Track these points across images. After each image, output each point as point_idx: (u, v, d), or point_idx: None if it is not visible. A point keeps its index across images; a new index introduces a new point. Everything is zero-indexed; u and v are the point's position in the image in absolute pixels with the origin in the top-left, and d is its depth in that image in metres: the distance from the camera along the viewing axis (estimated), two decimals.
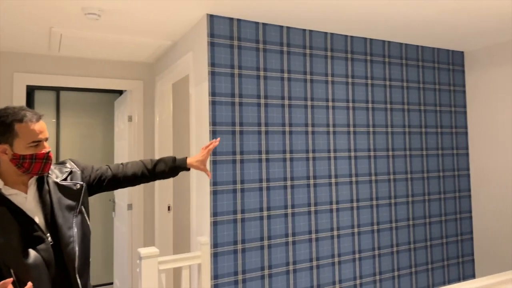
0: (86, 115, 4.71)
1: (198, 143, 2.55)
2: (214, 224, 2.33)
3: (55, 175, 1.59)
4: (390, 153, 2.96)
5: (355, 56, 2.87)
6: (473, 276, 3.23)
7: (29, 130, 1.45)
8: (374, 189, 2.87)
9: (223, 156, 2.42)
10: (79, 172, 1.65)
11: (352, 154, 2.81)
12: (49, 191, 1.53)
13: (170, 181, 3.43)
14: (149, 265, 2.06)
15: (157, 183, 3.41)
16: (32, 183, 1.52)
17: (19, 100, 3.22)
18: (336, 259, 2.70)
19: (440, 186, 3.16)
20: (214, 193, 2.37)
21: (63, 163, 1.67)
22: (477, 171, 3.25)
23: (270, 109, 2.58)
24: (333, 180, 2.73)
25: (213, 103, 2.42)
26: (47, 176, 1.56)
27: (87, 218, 1.59)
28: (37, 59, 3.33)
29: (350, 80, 2.84)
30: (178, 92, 3.81)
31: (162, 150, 3.45)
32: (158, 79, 3.47)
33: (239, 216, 2.42)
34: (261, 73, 2.56)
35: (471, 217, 3.27)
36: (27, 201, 1.48)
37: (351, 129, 2.82)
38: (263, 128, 2.55)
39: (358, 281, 2.76)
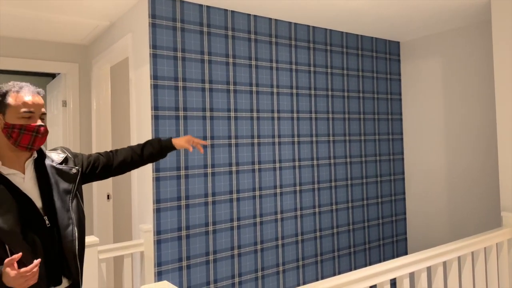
0: None
1: (140, 128, 2.46)
2: (157, 211, 2.27)
3: (51, 159, 1.57)
4: (331, 138, 3.05)
5: (299, 43, 2.91)
6: (405, 253, 3.46)
7: (22, 101, 1.44)
8: (315, 173, 2.96)
9: None
10: (72, 159, 1.63)
11: (296, 139, 2.86)
12: (47, 174, 1.52)
13: None
14: (88, 255, 1.96)
15: None
16: (29, 164, 1.51)
17: None
18: (280, 242, 2.75)
19: (377, 169, 3.32)
20: (157, 179, 2.30)
21: (55, 149, 1.65)
22: (410, 155, 3.46)
23: (215, 94, 2.55)
24: (277, 165, 2.77)
25: (155, 87, 2.34)
26: (44, 159, 1.54)
27: (81, 203, 1.59)
28: None
29: (293, 66, 2.88)
30: (117, 76, 3.64)
31: (100, 136, 3.29)
32: (95, 62, 3.29)
33: (183, 202, 2.38)
34: (206, 57, 2.51)
35: (404, 199, 3.49)
36: (24, 181, 1.47)
37: (295, 115, 2.87)
38: (207, 113, 2.52)
39: (300, 262, 2.84)
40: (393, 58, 3.47)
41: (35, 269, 1.31)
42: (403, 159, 3.50)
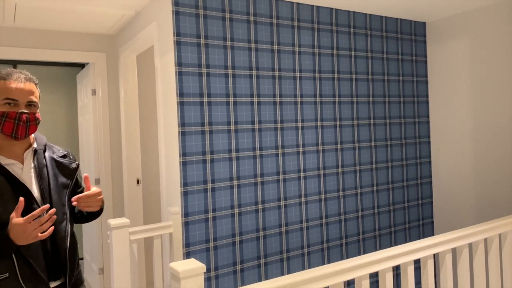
0: (47, 90, 4.54)
1: (166, 114, 2.53)
2: (185, 194, 2.35)
3: (52, 151, 1.55)
4: (355, 122, 3.04)
5: (321, 27, 2.89)
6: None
7: (5, 87, 1.39)
8: (339, 157, 2.97)
9: (192, 127, 2.41)
10: (71, 158, 1.61)
11: (319, 123, 2.87)
12: (46, 166, 1.49)
13: (138, 155, 3.40)
14: (120, 236, 2.07)
15: (125, 157, 3.37)
16: (28, 155, 1.48)
17: None
18: (304, 224, 2.79)
19: (402, 153, 3.29)
20: (184, 164, 2.37)
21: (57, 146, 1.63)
22: (437, 138, 3.40)
23: (238, 79, 2.58)
24: (300, 150, 2.80)
25: (179, 74, 2.39)
26: (45, 150, 1.52)
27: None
28: None
29: (316, 50, 2.87)
30: (143, 64, 3.73)
31: (128, 123, 3.40)
32: (122, 51, 3.38)
33: (209, 185, 2.45)
34: (228, 43, 2.55)
35: (431, 182, 3.45)
36: (23, 172, 1.44)
37: (318, 99, 2.87)
38: (231, 99, 2.56)
39: (325, 245, 2.88)
40: (419, 40, 3.39)
41: (43, 217, 1.27)
42: (429, 142, 3.45)
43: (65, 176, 1.53)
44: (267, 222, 2.64)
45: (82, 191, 1.59)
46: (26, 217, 1.26)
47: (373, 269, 1.68)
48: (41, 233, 1.32)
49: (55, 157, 1.54)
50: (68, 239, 1.47)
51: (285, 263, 2.71)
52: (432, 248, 1.90)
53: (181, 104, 2.39)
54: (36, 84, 1.48)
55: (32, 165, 1.47)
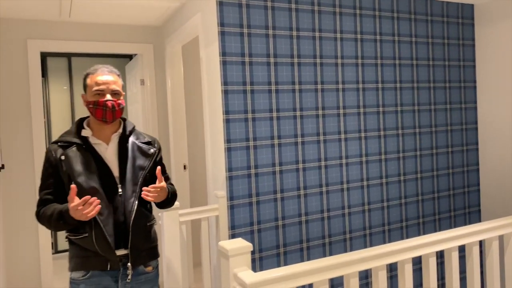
0: None
1: (211, 103, 2.63)
2: (230, 179, 2.45)
3: (137, 137, 1.80)
4: (399, 108, 3.01)
5: (364, 12, 2.87)
6: None
7: (94, 81, 1.67)
8: (382, 144, 2.95)
9: (235, 115, 2.50)
10: (155, 147, 1.83)
11: (362, 110, 2.87)
12: (128, 149, 1.74)
13: (184, 142, 3.54)
14: (170, 218, 2.20)
15: (172, 144, 3.53)
16: (115, 137, 1.74)
17: (34, 67, 3.30)
18: (346, 211, 2.82)
19: (448, 140, 3.22)
20: (229, 150, 2.47)
21: (148, 135, 1.89)
22: (484, 125, 3.30)
23: (280, 67, 2.63)
24: (342, 136, 2.81)
25: (223, 63, 2.47)
26: (129, 136, 1.77)
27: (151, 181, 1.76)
28: (49, 26, 3.38)
29: (358, 36, 2.86)
30: (188, 54, 3.85)
31: (175, 111, 3.54)
32: (168, 41, 3.51)
33: (252, 171, 2.53)
34: (270, 32, 2.59)
35: (478, 170, 3.35)
36: (107, 152, 1.71)
37: (360, 85, 2.86)
38: (273, 87, 2.61)
39: (367, 231, 2.90)
40: (466, 23, 3.28)
41: (88, 205, 1.51)
42: (476, 128, 3.35)
43: (142, 159, 1.75)
44: (309, 207, 2.70)
45: (162, 172, 1.81)
46: (74, 204, 1.51)
47: (416, 253, 1.70)
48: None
49: (137, 142, 1.77)
50: (133, 214, 1.67)
51: (327, 248, 2.76)
52: (478, 234, 1.88)
53: (225, 93, 2.47)
54: (118, 75, 1.75)
55: (117, 147, 1.72)
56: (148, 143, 1.81)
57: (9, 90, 3.31)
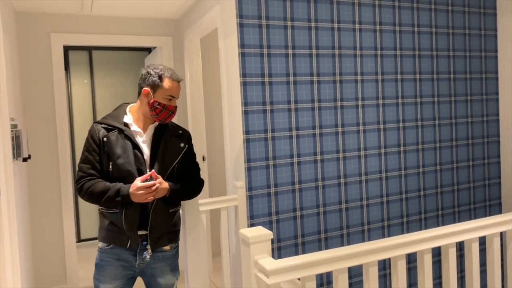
0: (118, 74, 4.86)
1: (230, 95, 2.66)
2: (248, 169, 2.48)
3: (171, 130, 1.97)
4: (418, 100, 2.99)
5: (383, 2, 2.84)
6: None
7: (170, 86, 1.88)
8: (401, 136, 2.94)
9: (254, 106, 2.52)
10: (186, 140, 2.02)
11: (380, 101, 2.86)
12: (161, 140, 1.90)
13: (203, 134, 3.59)
14: (191, 206, 2.24)
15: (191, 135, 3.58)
16: (151, 129, 1.92)
17: (58, 60, 3.38)
18: (365, 202, 2.83)
19: (468, 132, 3.18)
20: (247, 141, 2.50)
21: (183, 128, 2.08)
22: (506, 116, 3.24)
23: (298, 59, 2.63)
24: (361, 128, 2.81)
25: (242, 55, 2.49)
26: (165, 128, 1.94)
27: (184, 175, 2.00)
28: (72, 19, 3.45)
29: (378, 27, 2.84)
30: (207, 46, 3.88)
31: (194, 103, 3.59)
32: (186, 34, 3.55)
33: (270, 162, 2.56)
34: (288, 23, 2.60)
35: (499, 162, 3.31)
36: (142, 140, 1.88)
37: (379, 76, 2.85)
38: (291, 78, 2.62)
39: (386, 223, 2.90)
40: (488, 12, 3.22)
41: (147, 188, 1.72)
42: (498, 120, 3.29)
43: (172, 152, 1.92)
44: (327, 198, 2.71)
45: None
46: (138, 186, 1.72)
47: (436, 244, 1.70)
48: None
49: (169, 135, 1.95)
50: (155, 200, 1.84)
51: (345, 238, 2.77)
52: (500, 226, 1.87)
53: (244, 84, 2.49)
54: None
55: (151, 137, 1.90)
56: (180, 136, 1.98)
57: (34, 83, 3.40)
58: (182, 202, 2.31)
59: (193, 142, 3.56)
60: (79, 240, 5.13)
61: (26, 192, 3.45)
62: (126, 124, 1.86)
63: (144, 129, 1.91)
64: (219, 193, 3.74)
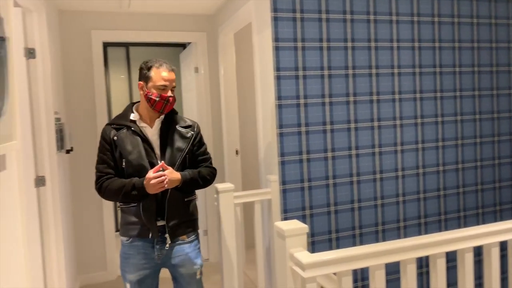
0: None
1: (264, 89, 2.66)
2: (282, 163, 2.48)
3: (178, 122, 2.02)
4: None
5: None
6: None
7: (160, 76, 1.90)
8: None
9: (288, 100, 2.51)
10: (194, 131, 2.05)
11: (418, 95, 2.78)
12: (169, 131, 1.96)
13: (236, 128, 3.62)
14: (226, 199, 2.28)
15: (225, 130, 3.62)
16: (158, 122, 1.97)
17: (98, 56, 3.50)
18: (401, 199, 2.77)
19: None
20: (281, 135, 2.49)
21: (189, 120, 2.11)
22: None
23: (333, 52, 2.60)
24: (397, 122, 2.75)
25: (276, 49, 2.48)
26: (172, 120, 2.00)
27: (194, 163, 2.04)
28: (110, 16, 3.55)
29: (415, 18, 2.75)
30: (240, 41, 3.90)
31: (228, 98, 3.62)
32: (221, 29, 3.58)
33: (304, 156, 2.55)
34: (323, 16, 2.56)
35: None
36: (150, 133, 1.95)
37: (417, 70, 2.77)
38: (325, 72, 2.59)
39: (422, 220, 2.83)
40: None
41: (158, 178, 1.79)
42: None
43: (181, 142, 1.97)
44: (362, 194, 2.67)
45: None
46: (149, 177, 1.79)
47: (478, 243, 1.65)
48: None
49: (177, 126, 1.99)
50: (169, 190, 1.91)
51: (380, 235, 2.73)
52: None
53: (278, 78, 2.49)
54: (174, 72, 1.97)
55: (159, 130, 1.96)
56: (187, 127, 2.02)
57: (75, 78, 3.54)
58: (217, 195, 2.35)
59: (225, 136, 3.62)
60: (117, 230, 5.31)
61: (69, 183, 3.61)
62: (133, 121, 1.94)
63: (151, 123, 1.97)
64: (252, 186, 3.77)
